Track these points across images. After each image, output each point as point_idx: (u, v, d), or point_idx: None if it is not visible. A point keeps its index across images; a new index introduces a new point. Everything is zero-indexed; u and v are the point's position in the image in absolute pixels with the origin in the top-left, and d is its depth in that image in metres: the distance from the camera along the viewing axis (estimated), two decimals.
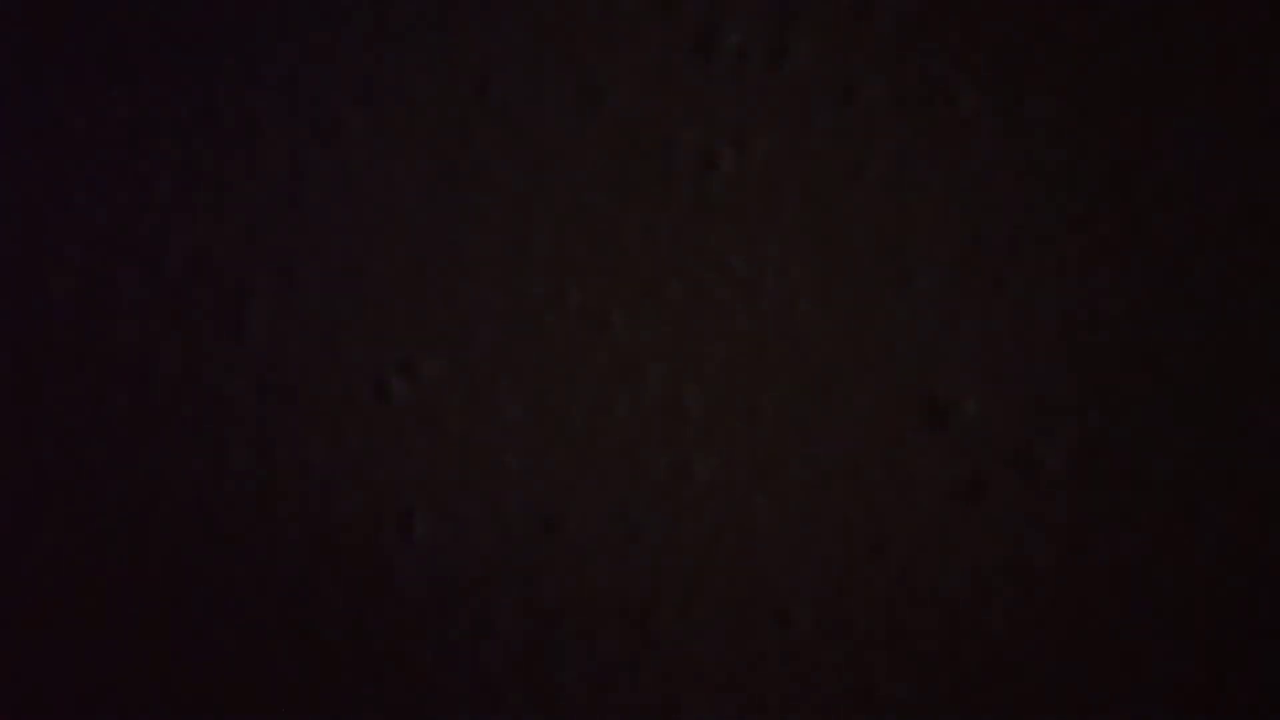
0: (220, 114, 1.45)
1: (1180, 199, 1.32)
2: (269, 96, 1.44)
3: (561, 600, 1.42)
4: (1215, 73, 1.31)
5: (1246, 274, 1.31)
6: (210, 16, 1.45)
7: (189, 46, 1.46)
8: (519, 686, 1.43)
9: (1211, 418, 1.32)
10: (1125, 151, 1.32)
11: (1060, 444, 1.34)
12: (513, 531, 1.42)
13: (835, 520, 1.37)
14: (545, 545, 1.41)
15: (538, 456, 1.41)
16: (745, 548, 1.39)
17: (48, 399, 1.50)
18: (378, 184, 1.43)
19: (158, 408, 1.47)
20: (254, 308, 1.45)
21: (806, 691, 1.39)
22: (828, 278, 1.36)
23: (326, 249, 1.44)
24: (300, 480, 1.45)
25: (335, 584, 1.45)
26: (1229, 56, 1.30)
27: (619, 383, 1.39)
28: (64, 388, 1.49)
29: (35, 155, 1.48)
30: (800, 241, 1.36)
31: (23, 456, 1.50)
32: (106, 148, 1.48)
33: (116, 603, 1.49)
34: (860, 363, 1.36)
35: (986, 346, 1.35)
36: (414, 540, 1.43)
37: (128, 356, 1.48)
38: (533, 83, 1.39)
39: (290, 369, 1.44)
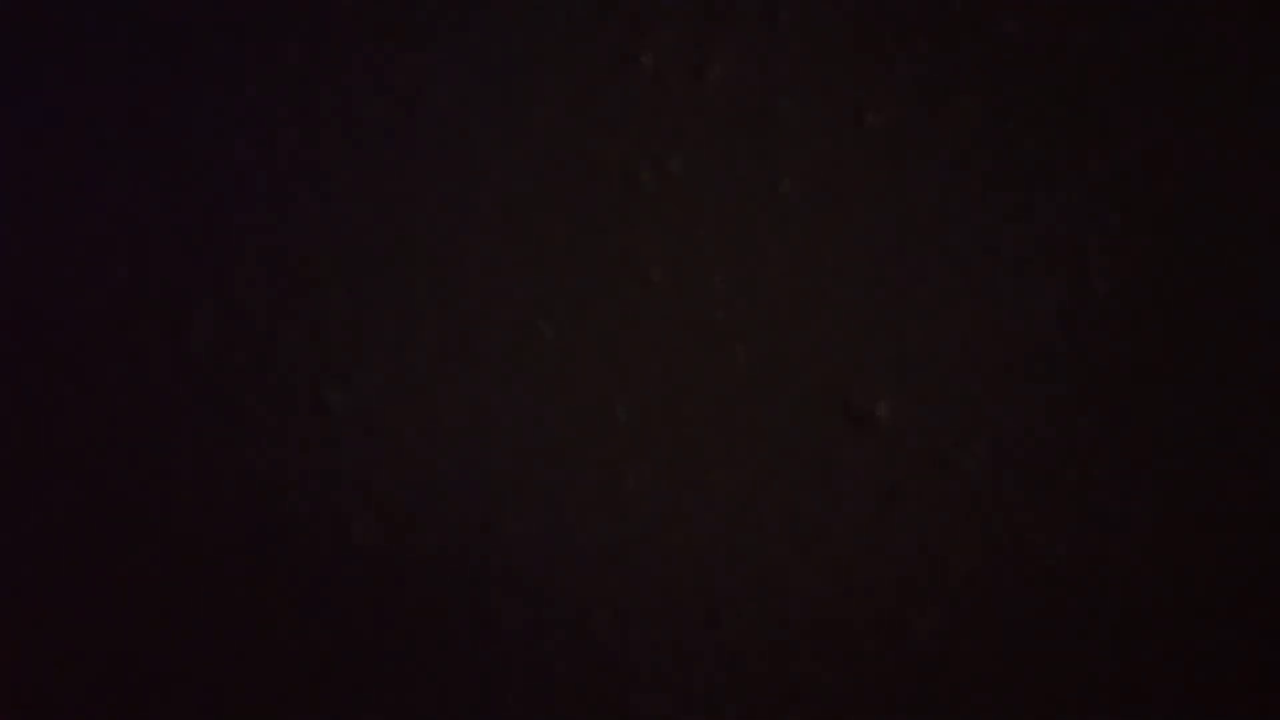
0: (160, 129, 1.47)
1: (1096, 203, 1.34)
2: (206, 113, 1.46)
3: (497, 606, 1.43)
4: (1136, 79, 1.33)
5: (1161, 278, 1.33)
6: (149, 32, 1.46)
7: (125, 62, 1.47)
8: (458, 688, 1.44)
9: (1129, 421, 1.34)
10: (1034, 162, 1.34)
11: (977, 449, 1.36)
12: (449, 539, 1.43)
13: (761, 524, 1.39)
14: (480, 552, 1.43)
15: (472, 465, 1.43)
16: (676, 550, 1.41)
17: None
18: (312, 199, 1.44)
19: (98, 417, 1.48)
20: (194, 320, 1.46)
21: (735, 688, 1.41)
22: (747, 288, 1.38)
23: (264, 262, 1.45)
24: (240, 490, 1.46)
25: (275, 592, 1.46)
26: (1152, 64, 1.32)
27: (548, 391, 1.41)
28: (4, 399, 1.50)
29: None
30: (720, 255, 1.38)
31: None
32: (47, 160, 1.49)
33: (54, 608, 1.50)
34: (781, 370, 1.38)
35: (903, 354, 1.37)
36: (352, 547, 1.44)
37: (69, 366, 1.48)
38: (458, 101, 1.41)
39: (230, 381, 1.46)
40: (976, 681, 1.37)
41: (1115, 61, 1.33)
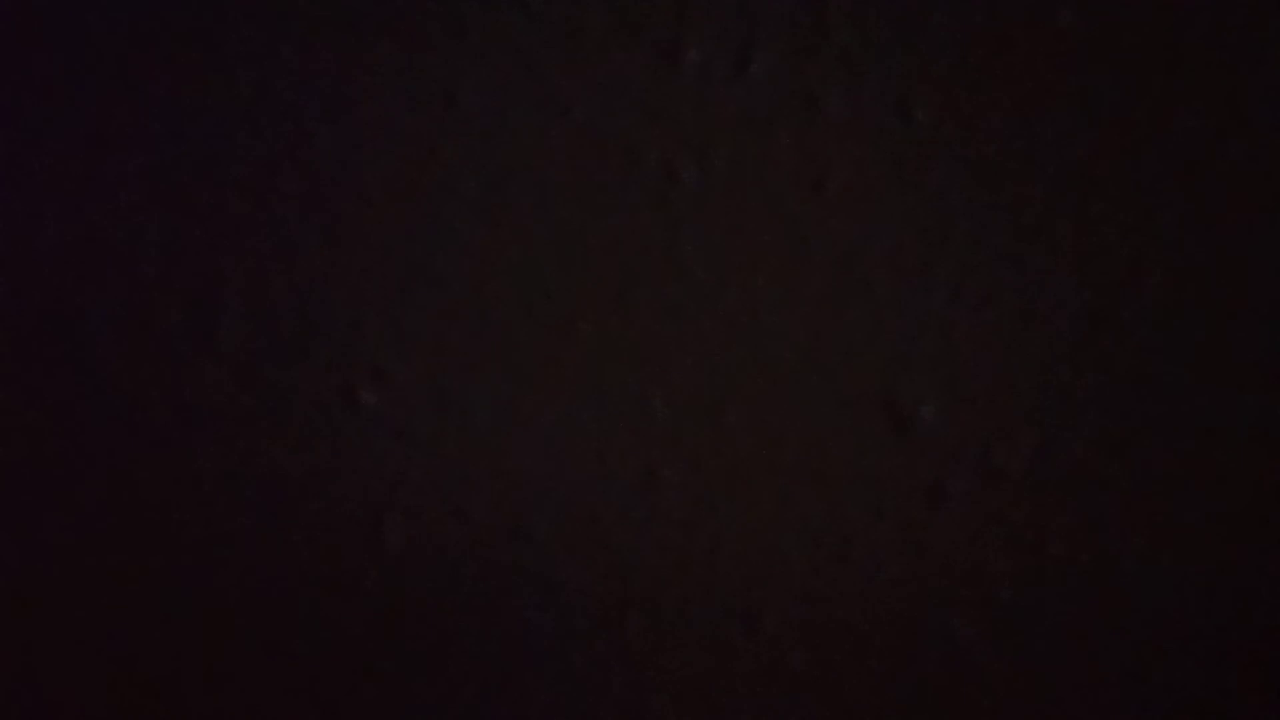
0: (190, 122, 1.46)
1: (1137, 204, 1.33)
2: (239, 106, 1.45)
3: (529, 607, 1.43)
4: (1171, 80, 1.33)
5: (1203, 278, 1.33)
6: (178, 26, 1.46)
7: (157, 54, 1.47)
8: (489, 688, 1.44)
9: (1170, 421, 1.34)
10: (1080, 160, 1.34)
11: (1020, 449, 1.36)
12: (481, 538, 1.43)
13: (800, 525, 1.39)
14: (513, 552, 1.42)
15: (506, 463, 1.42)
16: (712, 553, 1.40)
17: (16, 406, 1.50)
18: (347, 193, 1.44)
19: (126, 413, 1.48)
20: (224, 314, 1.46)
21: (773, 692, 1.40)
22: (790, 286, 1.38)
23: (296, 256, 1.45)
24: (269, 486, 1.45)
25: (304, 591, 1.45)
26: (1186, 65, 1.32)
27: (586, 389, 1.41)
28: (32, 396, 1.50)
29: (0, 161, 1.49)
30: (763, 251, 1.38)
31: None
32: (75, 154, 1.49)
33: (82, 608, 1.50)
34: (823, 369, 1.38)
35: (947, 353, 1.36)
36: (383, 547, 1.44)
37: (96, 362, 1.48)
38: (499, 95, 1.41)
39: (260, 375, 1.45)
40: (1019, 686, 1.37)
41: (1171, 52, 1.33)
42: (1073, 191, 1.34)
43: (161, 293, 1.47)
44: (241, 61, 1.45)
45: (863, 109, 1.36)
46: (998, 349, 1.36)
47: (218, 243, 1.46)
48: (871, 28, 1.35)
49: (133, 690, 1.49)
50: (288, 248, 1.45)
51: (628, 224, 1.39)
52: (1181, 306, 1.33)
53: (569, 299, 1.40)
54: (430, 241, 1.43)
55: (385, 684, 1.45)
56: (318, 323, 1.44)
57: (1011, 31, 1.34)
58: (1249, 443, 1.33)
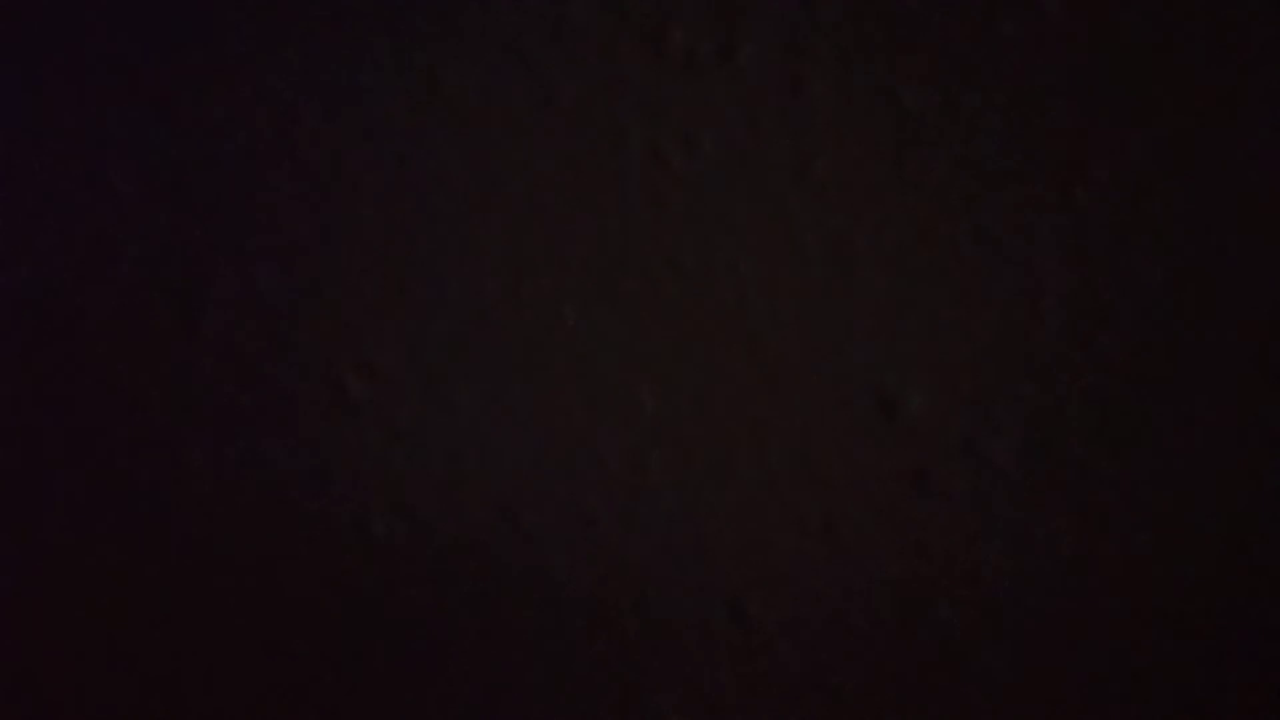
0: (176, 111, 1.47)
1: (1126, 192, 1.33)
2: (224, 94, 1.46)
3: (518, 596, 1.43)
4: (1162, 69, 1.32)
5: (1191, 269, 1.33)
6: (166, 14, 1.46)
7: (143, 45, 1.47)
8: (478, 681, 1.44)
9: (1156, 410, 1.33)
10: (1070, 149, 1.33)
11: (1006, 436, 1.35)
12: (470, 527, 1.43)
13: (787, 512, 1.39)
14: (502, 540, 1.43)
15: (494, 452, 1.42)
16: (700, 540, 1.40)
17: (8, 402, 1.51)
18: (332, 182, 1.44)
19: (113, 406, 1.48)
20: (210, 305, 1.46)
21: (760, 680, 1.40)
22: (777, 272, 1.37)
23: (282, 247, 1.45)
24: (257, 478, 1.46)
25: (293, 582, 1.46)
26: (1176, 56, 1.32)
27: (574, 378, 1.41)
28: (18, 388, 1.50)
29: None
30: (750, 237, 1.38)
31: None
32: (63, 145, 1.49)
33: (65, 602, 1.50)
34: (810, 356, 1.37)
35: (933, 340, 1.36)
36: (372, 537, 1.44)
37: (83, 354, 1.48)
38: (484, 81, 1.41)
39: (247, 367, 1.45)
40: (1005, 674, 1.36)
41: (1160, 40, 1.32)
42: (1062, 178, 1.33)
43: (153, 288, 1.47)
44: (229, 55, 1.45)
45: (851, 96, 1.36)
46: (986, 338, 1.35)
47: (207, 237, 1.46)
48: (861, 12, 1.35)
49: (125, 686, 1.49)
50: (276, 241, 1.45)
51: (615, 213, 1.39)
52: (1172, 296, 1.33)
53: (556, 286, 1.40)
54: (418, 233, 1.43)
55: (376, 679, 1.45)
56: (304, 313, 1.44)
57: (1001, 20, 1.34)
58: (1247, 433, 1.33)
